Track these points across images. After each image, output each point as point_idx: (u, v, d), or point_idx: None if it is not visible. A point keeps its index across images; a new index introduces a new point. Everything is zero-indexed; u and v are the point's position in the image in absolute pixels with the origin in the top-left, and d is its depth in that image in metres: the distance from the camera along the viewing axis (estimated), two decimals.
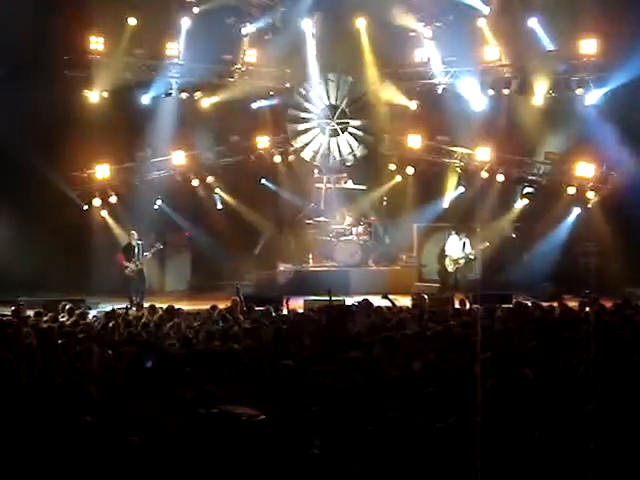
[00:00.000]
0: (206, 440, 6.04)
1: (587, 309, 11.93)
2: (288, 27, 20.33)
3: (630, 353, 8.01)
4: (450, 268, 18.69)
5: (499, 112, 20.06)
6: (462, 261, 18.52)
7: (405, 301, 15.29)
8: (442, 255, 19.14)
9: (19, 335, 9.34)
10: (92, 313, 13.43)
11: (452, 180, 20.90)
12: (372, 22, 20.22)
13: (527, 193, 20.00)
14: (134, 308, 14.97)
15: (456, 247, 18.60)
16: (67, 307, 12.39)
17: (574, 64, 19.50)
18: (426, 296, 14.24)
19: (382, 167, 21.24)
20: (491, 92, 20.03)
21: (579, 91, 19.41)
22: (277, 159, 21.04)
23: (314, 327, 10.10)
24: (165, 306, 12.30)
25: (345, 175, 21.24)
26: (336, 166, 21.11)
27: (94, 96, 19.51)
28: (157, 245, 18.21)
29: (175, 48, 19.93)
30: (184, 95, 20.28)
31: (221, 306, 12.52)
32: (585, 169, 19.28)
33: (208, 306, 13.49)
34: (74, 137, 18.75)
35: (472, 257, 18.47)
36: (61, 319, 11.53)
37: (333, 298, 12.15)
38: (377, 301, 12.42)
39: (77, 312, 11.88)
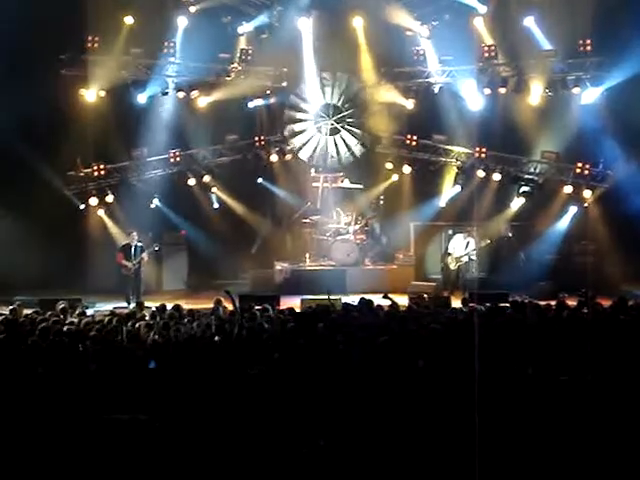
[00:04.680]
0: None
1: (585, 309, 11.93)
2: (285, 26, 20.30)
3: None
4: (452, 266, 18.80)
5: (496, 111, 20.07)
6: (464, 259, 18.62)
7: (402, 300, 15.28)
8: (445, 253, 19.25)
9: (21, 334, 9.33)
10: (89, 312, 13.43)
11: (449, 179, 20.92)
12: (369, 21, 20.23)
13: (524, 192, 20.01)
14: (131, 307, 15.02)
15: (460, 246, 18.72)
16: (63, 306, 12.37)
17: (570, 63, 19.55)
18: (425, 295, 14.28)
19: (379, 166, 21.23)
20: (488, 91, 20.01)
21: (575, 90, 19.46)
22: (274, 158, 21.00)
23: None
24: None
25: (342, 174, 21.22)
26: (333, 165, 21.12)
27: (91, 95, 19.45)
28: (154, 247, 18.25)
29: (172, 47, 19.88)
30: (181, 94, 20.21)
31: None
32: (581, 168, 19.32)
33: (205, 305, 13.56)
34: (71, 136, 18.76)
35: (473, 257, 18.54)
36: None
37: (331, 297, 12.15)
38: (376, 300, 12.40)
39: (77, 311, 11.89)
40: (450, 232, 19.72)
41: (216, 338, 9.14)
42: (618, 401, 6.46)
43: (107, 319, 10.74)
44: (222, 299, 12.52)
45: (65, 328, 9.86)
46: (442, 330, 9.25)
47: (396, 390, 6.98)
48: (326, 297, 12.30)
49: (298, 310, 12.33)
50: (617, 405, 6.38)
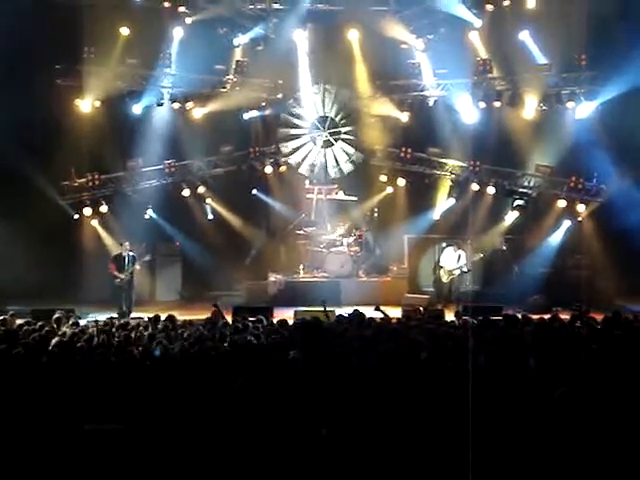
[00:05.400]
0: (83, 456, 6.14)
1: (578, 322, 11.92)
2: (280, 38, 20.35)
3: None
4: (444, 279, 18.85)
5: (490, 125, 20.13)
6: (456, 272, 18.66)
7: (395, 312, 15.27)
8: (437, 266, 19.27)
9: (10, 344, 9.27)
10: (82, 322, 13.36)
11: (443, 192, 20.96)
12: (364, 34, 20.29)
13: (518, 205, 20.06)
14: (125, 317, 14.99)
15: (451, 259, 18.76)
16: (57, 316, 12.29)
17: (565, 77, 19.64)
18: (422, 308, 14.29)
19: (373, 178, 21.27)
20: (482, 104, 20.09)
21: (570, 104, 19.54)
22: (268, 170, 21.03)
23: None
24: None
25: (336, 186, 21.24)
26: (327, 177, 21.13)
27: (86, 105, 19.47)
28: (146, 257, 18.25)
29: (167, 58, 19.92)
30: (176, 105, 20.25)
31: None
32: (575, 182, 19.37)
33: (198, 316, 13.51)
34: (65, 146, 18.74)
35: (466, 270, 18.60)
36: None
37: (327, 309, 12.14)
38: (369, 312, 12.38)
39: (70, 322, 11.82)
40: (443, 245, 19.74)
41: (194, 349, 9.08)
42: (612, 416, 6.44)
43: (95, 330, 10.71)
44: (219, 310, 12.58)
45: (55, 339, 9.80)
46: (430, 342, 9.22)
47: (390, 398, 6.97)
48: (321, 309, 12.27)
49: (291, 322, 12.28)
50: (611, 420, 6.36)
